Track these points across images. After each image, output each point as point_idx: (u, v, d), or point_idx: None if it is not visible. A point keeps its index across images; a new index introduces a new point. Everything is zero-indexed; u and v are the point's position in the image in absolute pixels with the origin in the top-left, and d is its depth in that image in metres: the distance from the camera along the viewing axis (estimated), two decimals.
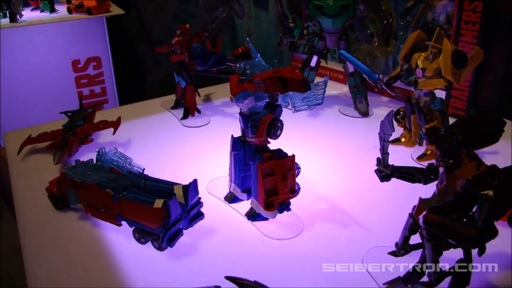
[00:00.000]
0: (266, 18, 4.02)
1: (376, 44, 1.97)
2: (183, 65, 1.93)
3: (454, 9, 1.89)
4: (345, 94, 2.19)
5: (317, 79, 1.70)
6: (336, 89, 2.35)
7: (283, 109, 1.29)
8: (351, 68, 2.00)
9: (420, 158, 1.70)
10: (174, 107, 2.13)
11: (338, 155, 1.76)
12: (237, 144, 1.37)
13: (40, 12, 3.64)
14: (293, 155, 1.31)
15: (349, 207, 1.43)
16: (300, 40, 2.04)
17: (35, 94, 3.49)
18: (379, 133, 1.12)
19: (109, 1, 3.69)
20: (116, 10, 3.69)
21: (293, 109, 1.35)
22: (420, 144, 1.77)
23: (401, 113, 1.77)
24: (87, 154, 1.73)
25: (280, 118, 1.25)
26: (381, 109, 2.07)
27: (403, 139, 1.80)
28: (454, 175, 0.93)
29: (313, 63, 2.04)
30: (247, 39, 1.45)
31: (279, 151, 1.32)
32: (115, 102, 3.88)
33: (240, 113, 1.33)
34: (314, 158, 1.72)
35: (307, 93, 1.41)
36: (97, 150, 1.39)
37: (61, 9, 3.65)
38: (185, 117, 2.01)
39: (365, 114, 2.04)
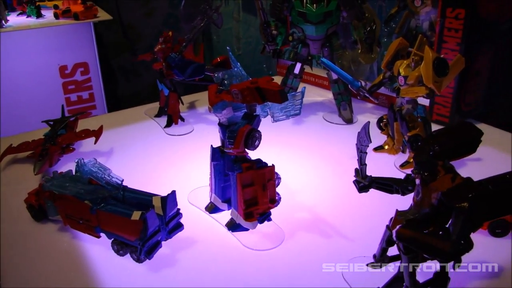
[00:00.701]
0: (255, 23, 4.02)
1: (359, 51, 1.96)
2: (162, 74, 1.94)
3: (437, 16, 1.89)
4: (330, 100, 2.19)
5: (301, 89, 1.68)
6: (321, 95, 2.35)
7: (265, 117, 1.28)
8: (334, 75, 2.00)
9: (403, 165, 1.69)
10: (158, 115, 2.12)
11: (322, 164, 1.75)
12: (216, 154, 1.36)
13: (27, 17, 3.62)
14: (273, 165, 1.31)
15: (331, 217, 1.42)
16: (285, 46, 2.03)
17: (21, 100, 3.46)
18: (356, 144, 1.12)
19: (97, 6, 3.67)
20: (103, 16, 3.67)
21: (272, 119, 1.34)
22: (403, 151, 1.76)
23: (384, 120, 1.77)
24: (68, 164, 1.72)
25: (259, 129, 1.24)
26: (365, 116, 2.07)
27: (386, 147, 1.79)
28: (429, 188, 0.93)
29: (296, 70, 2.03)
30: (227, 48, 1.43)
31: (259, 161, 1.31)
32: (103, 107, 3.86)
33: (219, 123, 1.32)
34: (297, 166, 1.72)
35: (285, 104, 1.39)
36: (76, 161, 1.38)
37: (48, 15, 3.64)
38: (168, 125, 2.00)
39: (349, 121, 2.04)
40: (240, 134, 1.22)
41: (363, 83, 1.72)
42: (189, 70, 1.66)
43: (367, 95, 1.76)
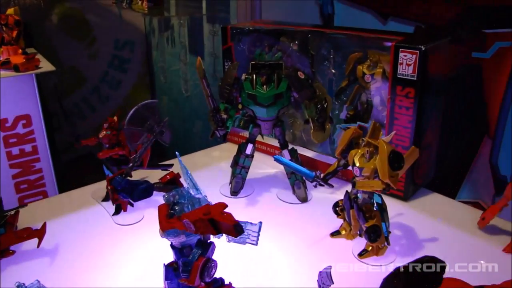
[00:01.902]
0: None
1: (311, 130, 1.93)
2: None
3: (388, 92, 1.89)
4: (283, 173, 2.13)
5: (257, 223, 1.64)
6: (273, 166, 2.29)
7: (219, 238, 1.23)
8: (287, 156, 1.96)
9: (361, 255, 1.67)
10: (106, 198, 2.00)
11: (276, 248, 1.71)
12: (169, 273, 1.29)
13: None
14: (230, 283, 1.25)
15: None
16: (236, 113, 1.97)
17: None
18: (317, 280, 1.07)
19: (39, 55, 3.53)
20: (46, 66, 3.53)
21: (227, 237, 1.28)
22: (361, 235, 1.74)
23: (340, 206, 1.74)
24: (7, 269, 1.60)
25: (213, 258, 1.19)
26: (320, 192, 2.02)
27: (343, 232, 1.76)
28: None
29: (248, 150, 1.98)
30: (176, 152, 1.36)
31: (215, 281, 1.25)
32: (48, 161, 3.70)
33: (171, 245, 1.25)
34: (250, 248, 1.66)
35: None
36: (16, 285, 1.27)
37: None
38: (116, 212, 1.89)
39: (304, 200, 2.00)
40: (195, 268, 1.16)
41: (317, 173, 1.69)
42: (138, 192, 1.56)
43: (322, 184, 1.72)
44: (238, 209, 1.94)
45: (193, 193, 1.37)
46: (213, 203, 1.36)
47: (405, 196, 1.98)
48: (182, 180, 1.72)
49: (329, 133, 1.96)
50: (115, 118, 1.86)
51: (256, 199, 2.04)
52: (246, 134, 2.38)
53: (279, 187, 2.11)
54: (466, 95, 2.07)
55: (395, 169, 1.49)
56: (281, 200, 2.03)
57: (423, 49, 1.75)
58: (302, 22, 2.48)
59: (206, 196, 1.40)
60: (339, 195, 1.81)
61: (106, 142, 1.84)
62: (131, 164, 1.58)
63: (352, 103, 2.14)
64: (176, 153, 1.41)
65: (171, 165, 1.88)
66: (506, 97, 1.97)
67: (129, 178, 1.67)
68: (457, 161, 2.15)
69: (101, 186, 2.08)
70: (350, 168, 1.64)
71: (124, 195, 1.60)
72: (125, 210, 1.91)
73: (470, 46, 2.01)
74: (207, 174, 2.25)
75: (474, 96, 2.04)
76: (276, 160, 1.72)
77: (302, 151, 2.31)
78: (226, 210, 1.13)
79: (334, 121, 2.11)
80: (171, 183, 1.37)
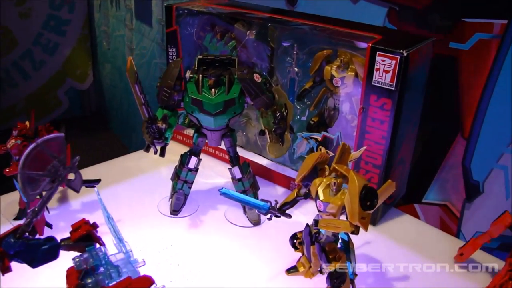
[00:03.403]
0: (150, 34, 3.60)
1: (268, 142, 1.63)
2: None
3: (360, 101, 1.59)
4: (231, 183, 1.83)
5: None
6: (221, 174, 1.96)
7: None
8: (237, 173, 1.66)
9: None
10: (18, 217, 1.64)
11: (222, 283, 1.46)
12: None
13: None
14: None
15: None
16: (179, 109, 1.64)
17: None
18: None
19: None
20: None
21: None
22: (322, 272, 1.47)
23: (299, 238, 1.46)
24: None
25: None
26: None
27: (301, 268, 1.48)
28: None
29: (191, 164, 1.66)
30: (95, 188, 1.04)
31: None
32: None
33: None
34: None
35: None
36: None
37: None
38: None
39: (256, 223, 1.71)
40: None
41: (273, 203, 1.40)
42: (39, 256, 1.15)
43: (279, 215, 1.43)
44: (179, 232, 1.65)
45: (114, 242, 1.09)
46: (140, 261, 1.09)
47: (373, 220, 1.73)
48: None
49: (288, 145, 1.66)
50: (27, 123, 1.50)
51: (201, 218, 1.74)
52: (190, 132, 2.06)
53: (228, 203, 1.77)
54: (439, 89, 1.80)
55: (366, 208, 1.21)
56: (229, 222, 1.73)
57: (405, 54, 1.46)
58: (262, 3, 2.12)
59: (131, 251, 1.13)
60: (298, 216, 1.54)
61: (15, 154, 1.47)
62: (28, 221, 1.15)
63: (316, 107, 1.84)
64: (95, 189, 1.11)
65: (98, 181, 1.55)
66: (485, 95, 1.71)
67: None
68: (426, 160, 1.91)
69: (13, 199, 1.73)
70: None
71: (19, 260, 1.19)
72: (41, 234, 1.56)
73: (447, 35, 1.73)
74: (143, 183, 1.95)
75: (448, 90, 1.78)
76: (223, 194, 1.42)
77: (256, 158, 2.04)
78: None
79: (295, 127, 1.83)
80: (85, 240, 1.02)
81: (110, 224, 1.11)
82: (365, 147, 1.53)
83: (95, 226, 1.06)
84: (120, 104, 4.45)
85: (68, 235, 1.07)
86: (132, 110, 4.17)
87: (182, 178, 1.69)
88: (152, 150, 1.57)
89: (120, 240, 1.11)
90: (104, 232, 1.11)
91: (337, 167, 1.29)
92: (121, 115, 4.51)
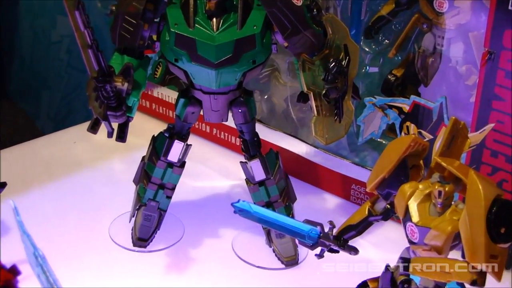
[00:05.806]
0: None
1: (313, 116, 1.02)
2: None
3: (484, 43, 1.10)
4: (246, 192, 1.16)
5: None
6: (229, 175, 1.35)
7: None
8: (258, 173, 1.10)
9: None
10: None
11: None
12: None
13: None
14: None
15: None
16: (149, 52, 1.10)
17: None
18: None
19: None
20: None
21: None
22: None
23: None
24: None
25: None
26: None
27: None
28: None
29: (173, 155, 1.07)
30: (12, 202, 0.53)
31: None
32: None
33: None
34: None
35: None
36: None
37: None
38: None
39: (290, 261, 1.12)
40: None
41: (326, 227, 0.91)
42: None
43: (336, 250, 0.94)
44: (149, 279, 1.11)
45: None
46: None
47: (510, 260, 1.22)
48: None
49: (350, 121, 1.08)
50: None
51: (189, 254, 1.11)
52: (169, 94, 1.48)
53: (238, 225, 1.14)
54: None
55: (500, 239, 0.80)
56: (241, 259, 1.11)
57: None
58: None
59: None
60: (368, 250, 1.11)
61: None
62: None
63: (401, 51, 1.31)
64: (12, 203, 0.76)
65: (4, 184, 1.16)
66: None
67: None
68: None
69: None
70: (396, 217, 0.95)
71: None
72: None
73: None
74: (82, 189, 1.30)
75: None
76: (240, 212, 0.92)
77: (291, 144, 1.41)
78: None
79: (361, 88, 1.29)
80: None
81: (40, 267, 0.74)
82: (491, 125, 1.15)
83: (15, 271, 0.73)
84: (29, 56, 2.94)
85: None
86: (50, 64, 2.74)
87: (155, 181, 1.11)
88: (104, 129, 0.98)
89: (44, 272, 0.72)
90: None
91: (443, 164, 0.87)
92: (29, 74, 2.99)
